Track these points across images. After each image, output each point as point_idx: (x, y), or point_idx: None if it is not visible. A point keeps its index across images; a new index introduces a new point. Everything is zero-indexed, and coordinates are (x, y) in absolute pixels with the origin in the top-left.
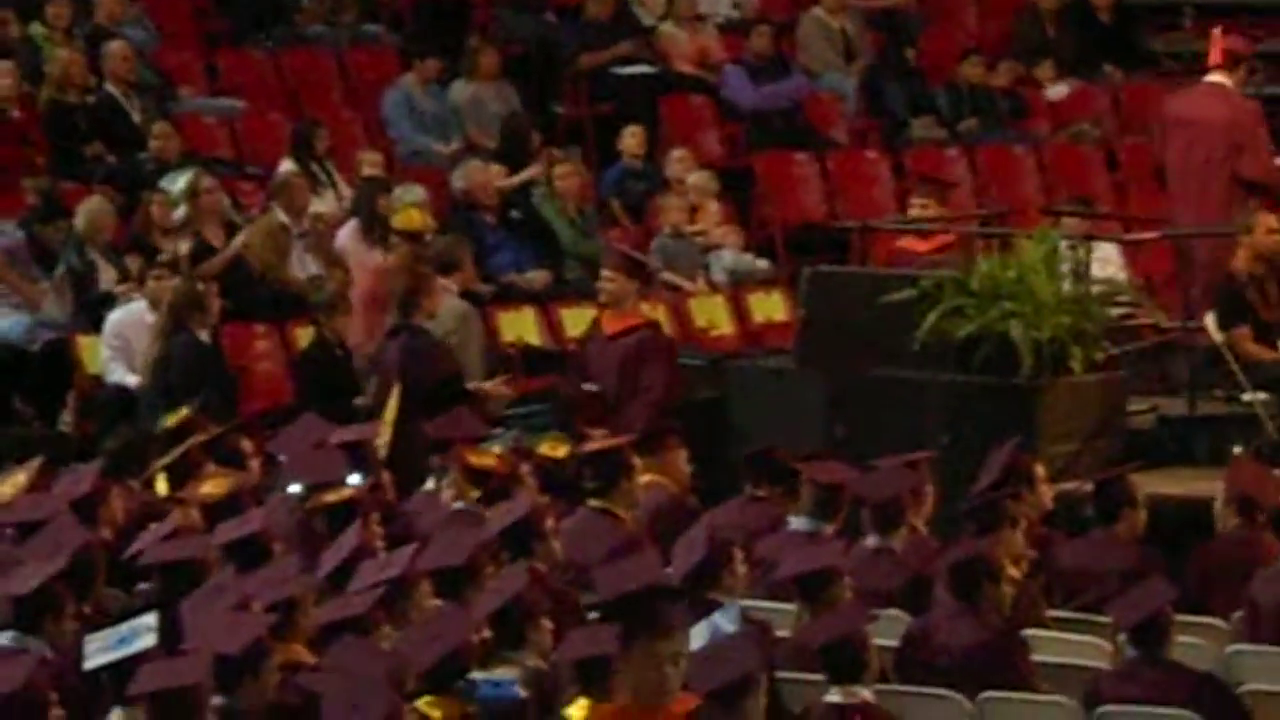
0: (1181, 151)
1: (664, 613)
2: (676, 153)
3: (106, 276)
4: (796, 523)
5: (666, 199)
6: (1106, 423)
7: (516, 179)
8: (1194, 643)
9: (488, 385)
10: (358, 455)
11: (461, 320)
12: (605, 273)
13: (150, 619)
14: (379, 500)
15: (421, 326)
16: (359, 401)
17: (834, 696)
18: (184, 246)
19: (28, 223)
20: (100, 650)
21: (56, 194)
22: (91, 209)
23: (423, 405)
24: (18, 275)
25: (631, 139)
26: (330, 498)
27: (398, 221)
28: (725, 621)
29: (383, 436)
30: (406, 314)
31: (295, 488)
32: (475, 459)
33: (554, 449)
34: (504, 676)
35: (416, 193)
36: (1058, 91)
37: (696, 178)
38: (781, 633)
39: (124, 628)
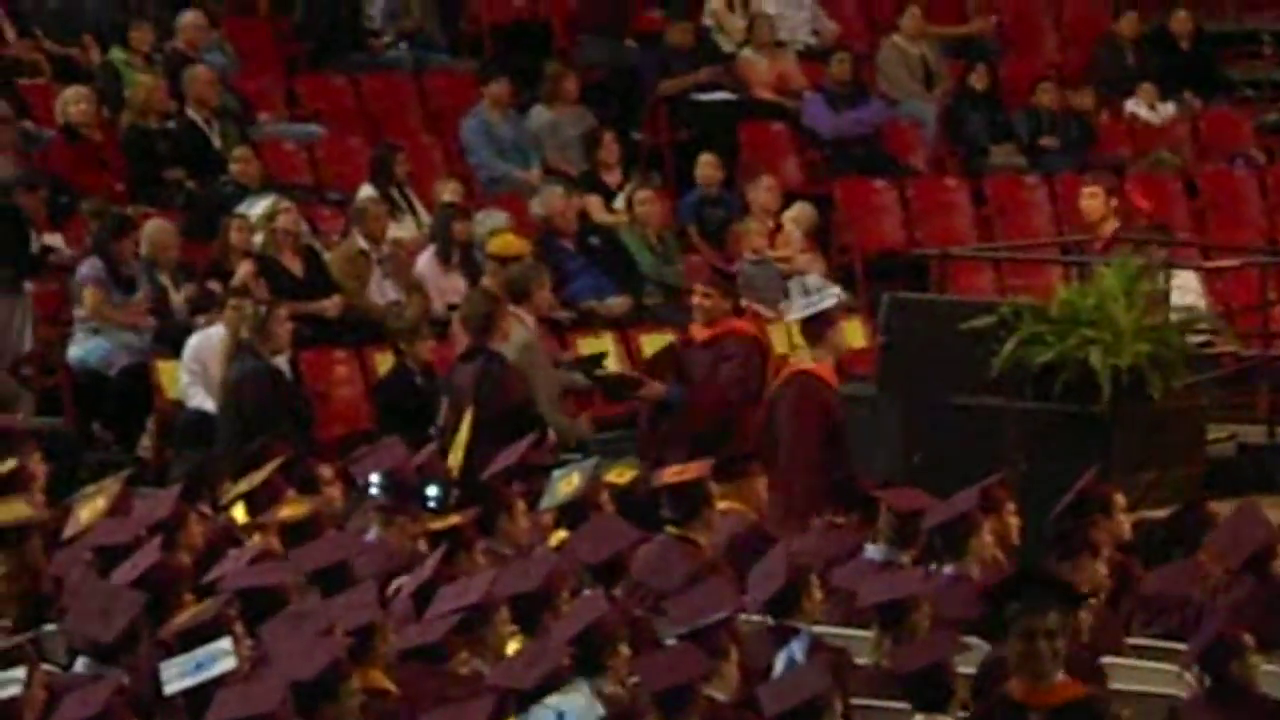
0: None
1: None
2: (764, 180)
3: (178, 300)
4: (872, 551)
5: (748, 225)
6: (1185, 451)
7: (608, 217)
8: (1273, 671)
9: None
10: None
11: (523, 351)
12: (699, 288)
13: (226, 643)
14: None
15: (496, 351)
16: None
17: None
18: (246, 269)
19: (101, 247)
20: (179, 675)
21: (116, 216)
22: (154, 231)
23: (494, 430)
24: (103, 300)
25: (707, 167)
26: (435, 524)
27: (493, 247)
28: (799, 649)
29: (454, 459)
30: (480, 338)
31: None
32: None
33: (621, 475)
34: (569, 704)
35: (500, 219)
36: (1161, 112)
37: (796, 211)
38: (859, 660)
39: (200, 652)
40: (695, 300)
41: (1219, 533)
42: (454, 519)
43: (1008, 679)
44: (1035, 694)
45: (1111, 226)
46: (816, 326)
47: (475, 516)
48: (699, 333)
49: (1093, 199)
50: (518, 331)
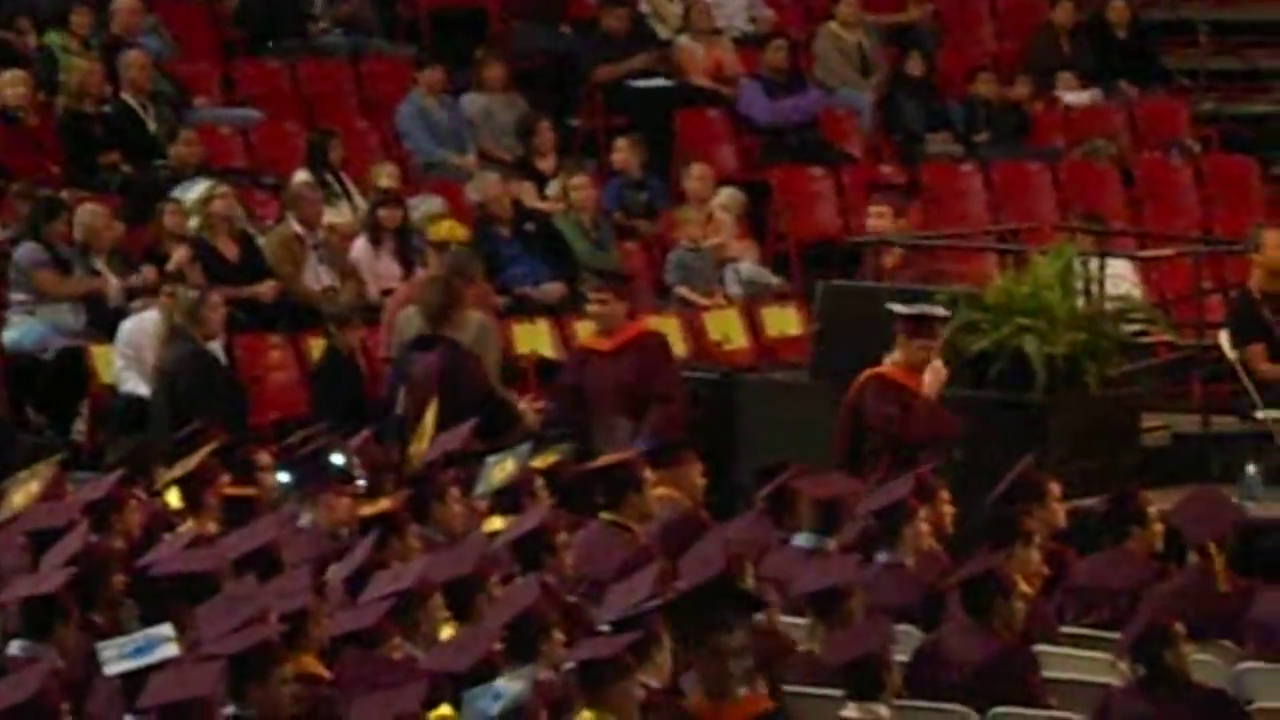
0: None
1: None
2: (695, 169)
3: (113, 285)
4: (800, 539)
5: (685, 213)
6: (1120, 440)
7: (542, 204)
8: (1204, 660)
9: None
10: None
11: (481, 331)
12: (593, 295)
13: (168, 629)
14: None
15: (454, 339)
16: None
17: (851, 713)
18: (181, 254)
19: (34, 231)
20: (119, 658)
21: (47, 200)
22: (87, 215)
23: (460, 418)
24: (55, 281)
25: (623, 152)
26: (366, 510)
27: (434, 233)
28: None
29: (418, 448)
30: (438, 326)
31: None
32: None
33: (546, 460)
34: (505, 686)
35: (436, 205)
36: (1077, 98)
37: (725, 197)
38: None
39: (140, 637)
40: (592, 308)
41: (1180, 516)
42: (384, 504)
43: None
44: (718, 712)
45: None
46: (914, 327)
47: (406, 502)
48: (600, 342)
49: (879, 219)
50: (471, 314)
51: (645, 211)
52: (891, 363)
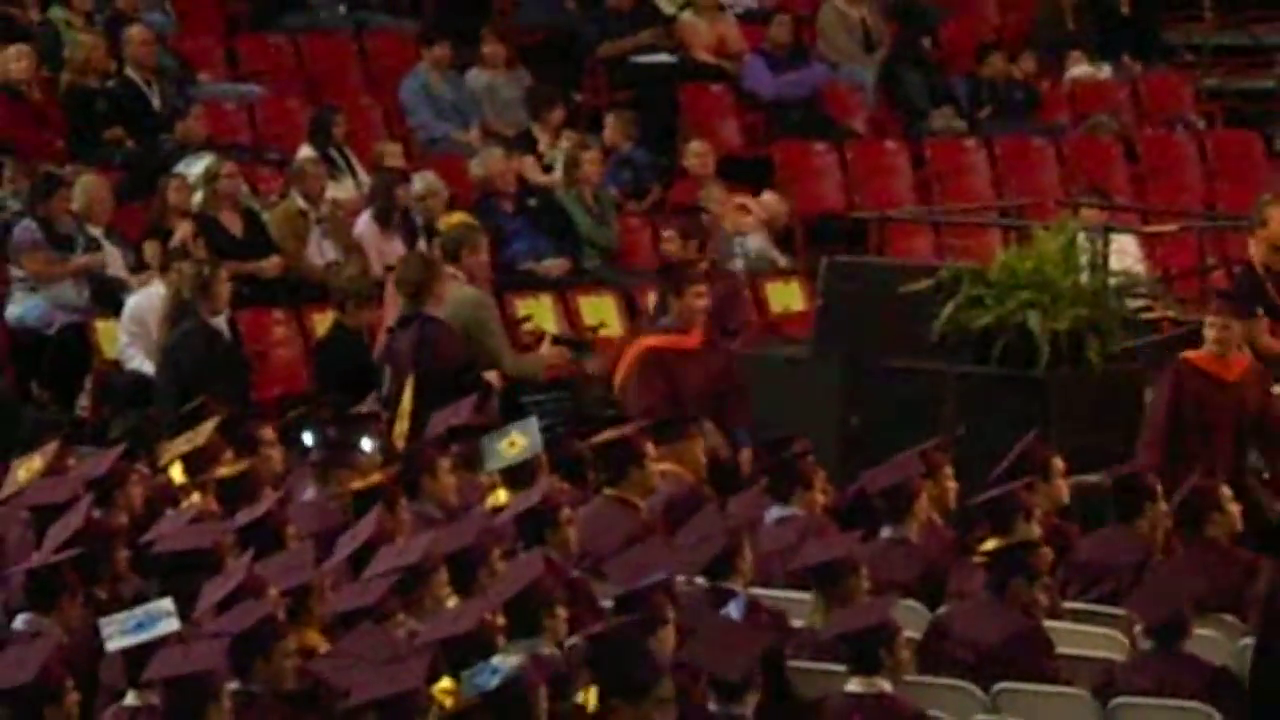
0: None
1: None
2: (695, 145)
3: (114, 259)
4: (775, 511)
5: (706, 192)
6: (1123, 415)
7: (545, 177)
8: (1208, 635)
9: (547, 352)
10: None
11: (476, 307)
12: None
13: (168, 604)
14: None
15: (432, 315)
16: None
17: (854, 686)
18: (185, 229)
19: (32, 208)
20: (120, 633)
21: (46, 176)
22: (87, 187)
23: (437, 394)
24: (46, 262)
25: (613, 128)
26: (357, 484)
27: (444, 224)
28: (736, 611)
29: (400, 428)
30: (415, 303)
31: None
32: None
33: (512, 445)
34: (503, 661)
35: (432, 181)
36: (1085, 73)
37: (770, 202)
38: (796, 622)
39: (140, 612)
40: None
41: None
42: (375, 478)
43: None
44: None
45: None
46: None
47: (396, 476)
48: (680, 340)
49: (668, 244)
50: (462, 289)
51: (634, 188)
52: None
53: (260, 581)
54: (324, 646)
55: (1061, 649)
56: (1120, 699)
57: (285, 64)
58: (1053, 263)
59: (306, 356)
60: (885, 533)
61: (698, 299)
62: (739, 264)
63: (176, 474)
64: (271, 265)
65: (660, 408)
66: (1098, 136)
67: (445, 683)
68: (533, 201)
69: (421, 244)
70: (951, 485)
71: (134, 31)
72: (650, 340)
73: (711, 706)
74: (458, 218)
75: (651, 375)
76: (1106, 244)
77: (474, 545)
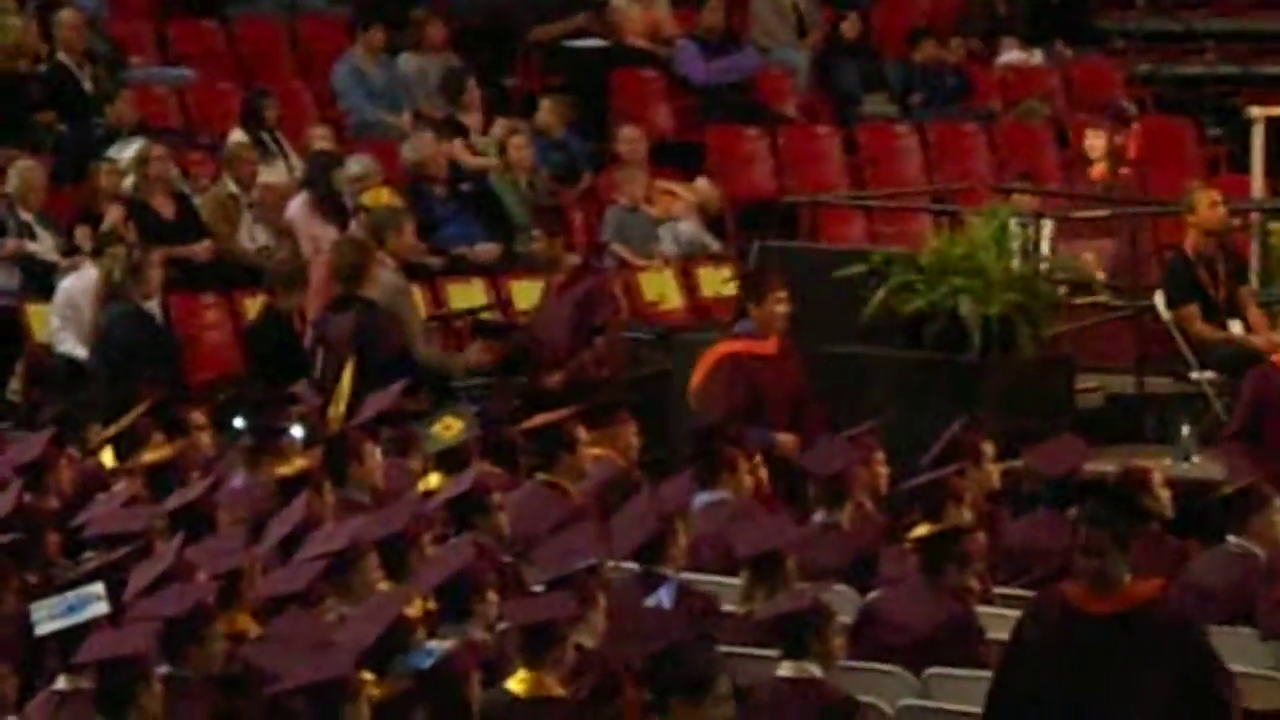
0: None
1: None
2: (626, 131)
3: (46, 244)
4: (704, 496)
5: (625, 173)
6: (1054, 401)
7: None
8: None
9: (470, 353)
10: None
11: (395, 293)
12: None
13: (98, 587)
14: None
15: (370, 299)
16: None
17: (785, 671)
18: (116, 213)
19: None
20: (49, 618)
21: None
22: (20, 171)
23: (377, 378)
24: None
25: (545, 112)
26: (283, 469)
27: (369, 200)
28: (666, 596)
29: (336, 410)
30: (351, 286)
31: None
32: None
33: (447, 428)
34: (437, 645)
35: (366, 164)
36: (1015, 57)
37: (703, 189)
38: (727, 607)
39: (71, 596)
40: (536, 245)
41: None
42: (302, 464)
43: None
44: None
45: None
46: None
47: (321, 461)
48: (758, 346)
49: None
50: (385, 275)
51: (566, 172)
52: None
53: (190, 566)
54: (254, 631)
55: (993, 634)
56: None
57: (217, 48)
58: (984, 248)
59: (237, 340)
60: (817, 517)
61: (778, 305)
62: (669, 249)
63: (107, 458)
64: (203, 249)
65: (740, 413)
66: (1029, 122)
67: (367, 675)
68: (465, 186)
69: (354, 226)
70: (883, 470)
71: (65, 15)
72: (729, 346)
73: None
74: (384, 195)
75: (731, 380)
76: (1038, 230)
77: (405, 530)
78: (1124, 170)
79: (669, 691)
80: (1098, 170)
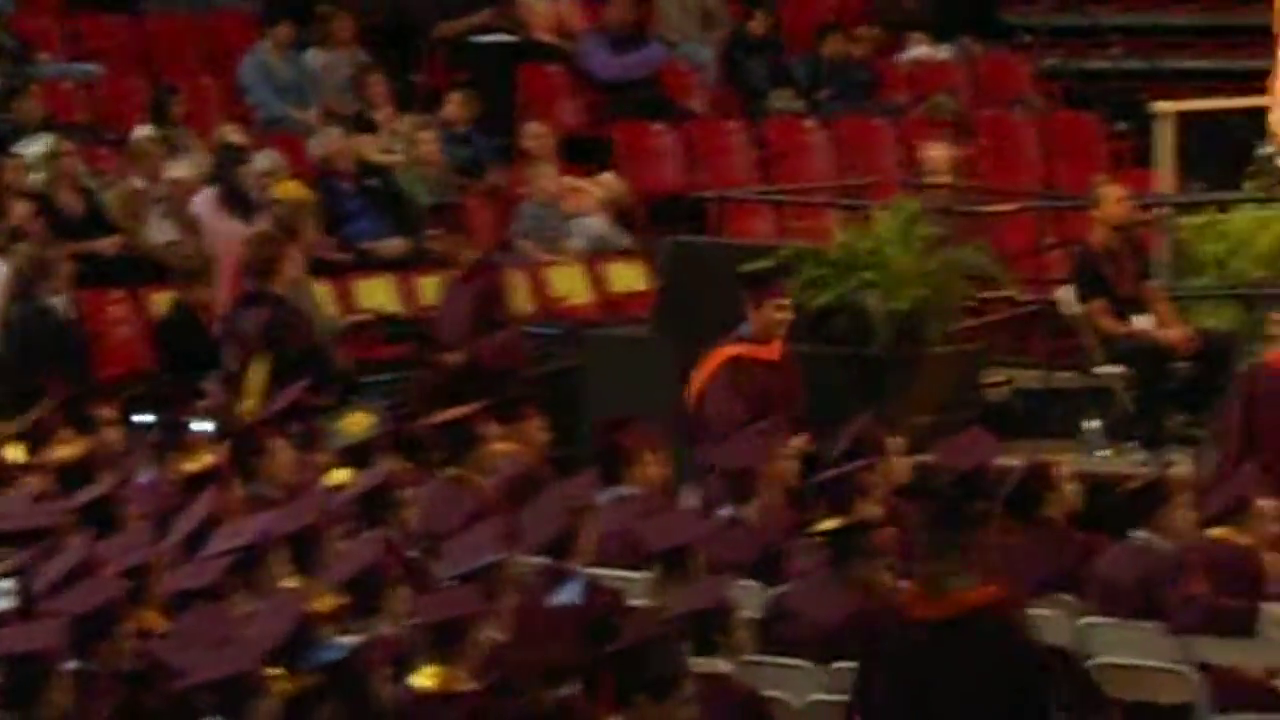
0: None
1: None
2: (532, 127)
3: None
4: (609, 492)
5: (537, 169)
6: (962, 395)
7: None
8: (1046, 615)
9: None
10: None
11: (294, 288)
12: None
13: (6, 583)
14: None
15: (280, 295)
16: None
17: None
18: (23, 209)
19: None
20: None
21: None
22: None
23: (290, 373)
24: None
25: (453, 106)
26: (190, 465)
27: (280, 191)
28: (573, 591)
29: (249, 405)
30: (263, 282)
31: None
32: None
33: (355, 423)
34: (346, 641)
35: (274, 160)
36: (923, 51)
37: (609, 183)
38: (634, 601)
39: None
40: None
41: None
42: (209, 459)
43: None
44: None
45: None
46: None
47: (228, 456)
48: (759, 351)
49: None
50: (289, 270)
51: (471, 168)
52: None
53: (99, 561)
54: (162, 626)
55: None
56: None
57: (125, 43)
58: (891, 243)
59: (145, 336)
60: (724, 511)
61: (777, 311)
62: (578, 244)
63: (14, 453)
64: (110, 244)
65: (742, 417)
66: (937, 117)
67: (275, 670)
68: (372, 181)
69: (260, 221)
70: (792, 465)
71: None
72: (731, 349)
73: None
74: (293, 188)
75: (734, 384)
76: (946, 225)
77: (313, 525)
78: (965, 184)
79: (635, 688)
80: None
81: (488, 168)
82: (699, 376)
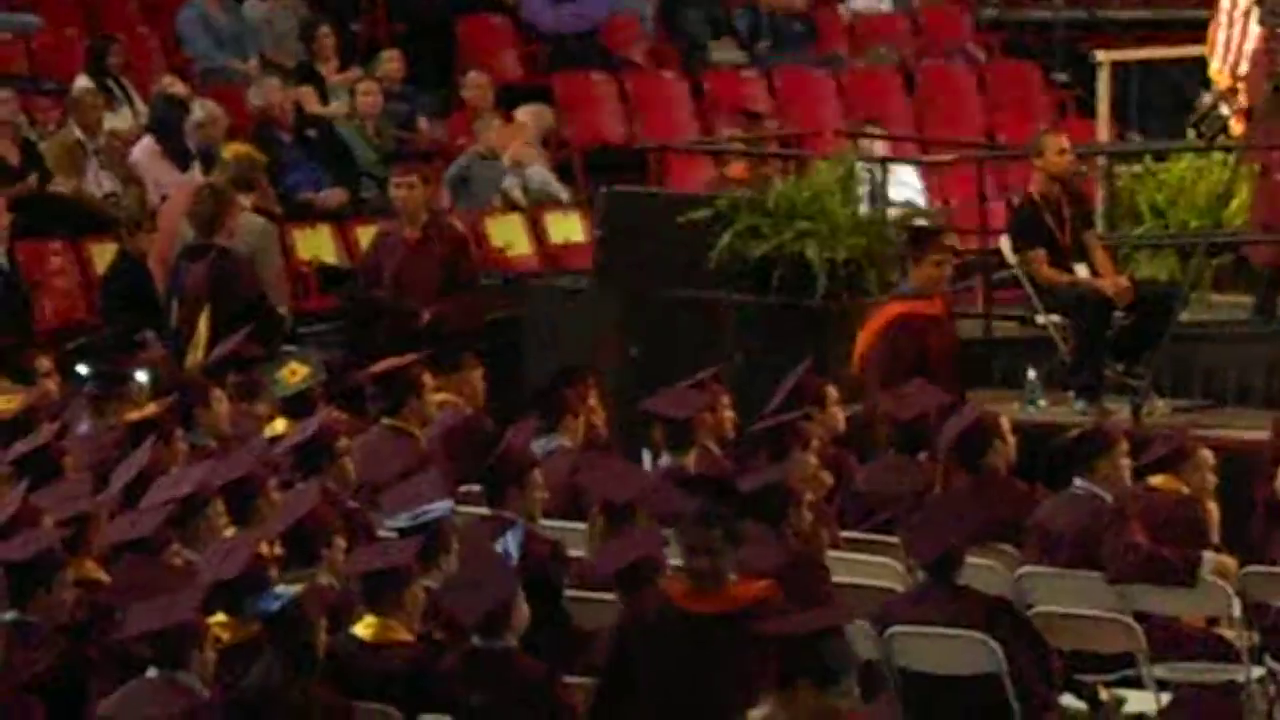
0: None
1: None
2: (473, 76)
3: None
4: (544, 442)
5: (481, 121)
6: None
7: (328, 108)
8: (985, 565)
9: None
10: None
11: (262, 236)
12: (398, 177)
13: None
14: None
15: (225, 247)
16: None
17: None
18: None
19: None
20: None
21: None
22: None
23: (233, 326)
24: None
25: (389, 62)
26: (132, 415)
27: (227, 154)
28: (513, 541)
29: (194, 358)
30: (208, 234)
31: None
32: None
33: (293, 373)
34: (284, 589)
35: (211, 109)
36: (864, 3)
37: (534, 113)
38: (575, 552)
39: None
40: (398, 192)
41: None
42: (149, 409)
43: None
44: None
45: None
46: None
47: (171, 407)
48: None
49: (409, 189)
50: (251, 218)
51: (406, 122)
52: None
53: (37, 512)
54: (101, 577)
55: (839, 578)
56: (898, 628)
57: None
58: (831, 193)
59: (85, 287)
60: (663, 461)
61: (936, 267)
62: (519, 195)
63: None
64: (25, 186)
65: (907, 375)
66: (877, 67)
67: (220, 616)
68: (311, 132)
69: (197, 171)
70: (729, 415)
71: None
72: (898, 307)
73: (476, 640)
74: (242, 147)
75: (901, 342)
76: (885, 175)
77: (250, 475)
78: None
79: (798, 673)
80: (735, 169)
81: (428, 119)
82: (865, 334)
